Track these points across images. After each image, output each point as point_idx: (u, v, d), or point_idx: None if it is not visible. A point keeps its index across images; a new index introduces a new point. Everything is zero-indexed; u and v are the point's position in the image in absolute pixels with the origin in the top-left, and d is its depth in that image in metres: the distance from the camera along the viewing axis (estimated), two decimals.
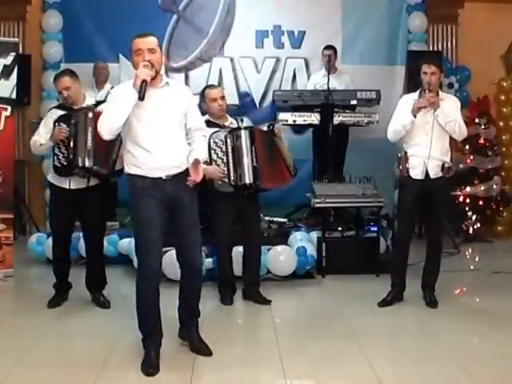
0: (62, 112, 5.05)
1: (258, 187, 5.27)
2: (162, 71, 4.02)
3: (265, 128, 5.50)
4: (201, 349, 4.13)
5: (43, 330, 4.73)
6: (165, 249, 5.80)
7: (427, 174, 5.16)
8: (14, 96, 6.18)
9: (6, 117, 6.14)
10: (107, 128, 3.82)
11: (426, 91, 5.09)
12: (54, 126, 4.98)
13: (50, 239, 5.83)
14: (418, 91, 5.25)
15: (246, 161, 5.16)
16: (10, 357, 4.13)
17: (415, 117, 5.09)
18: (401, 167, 5.26)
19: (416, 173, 5.19)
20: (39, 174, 8.19)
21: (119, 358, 4.15)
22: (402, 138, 5.25)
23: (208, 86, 5.63)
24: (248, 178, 5.16)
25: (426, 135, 5.14)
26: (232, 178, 5.13)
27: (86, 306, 5.26)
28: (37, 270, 6.50)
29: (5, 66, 6.11)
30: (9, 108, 6.17)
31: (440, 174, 5.18)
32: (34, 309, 5.17)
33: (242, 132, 5.21)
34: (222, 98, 5.33)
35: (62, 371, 3.97)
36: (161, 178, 3.88)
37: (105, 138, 3.88)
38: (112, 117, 3.81)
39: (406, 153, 5.24)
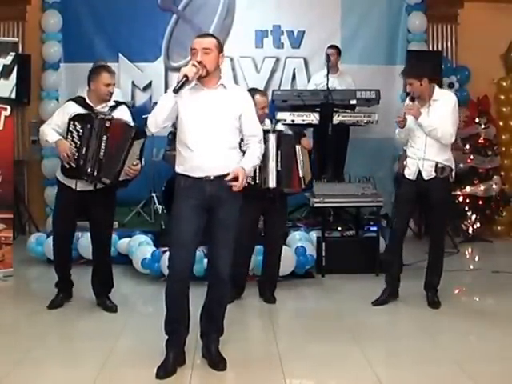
0: (80, 109, 4.92)
1: (281, 191, 5.29)
2: (228, 74, 3.98)
3: (290, 132, 5.48)
4: (219, 366, 3.99)
5: (43, 329, 4.73)
6: (163, 248, 5.86)
7: (420, 175, 5.17)
8: (13, 96, 6.17)
9: (5, 117, 6.13)
10: (152, 122, 3.90)
11: (408, 101, 5.15)
12: (69, 124, 4.85)
13: (50, 239, 5.83)
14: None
15: (272, 165, 5.18)
16: (10, 356, 4.12)
17: (402, 127, 5.14)
18: (400, 164, 5.30)
19: (409, 173, 5.23)
20: (39, 174, 8.20)
21: (119, 358, 4.14)
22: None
23: (257, 91, 5.32)
24: (272, 183, 5.19)
25: (418, 138, 5.16)
26: (257, 181, 5.13)
27: (86, 305, 5.25)
28: (36, 270, 6.51)
29: (4, 65, 6.10)
30: (8, 108, 6.15)
31: (434, 175, 5.17)
32: (34, 308, 5.17)
33: (271, 136, 5.21)
34: (266, 107, 5.27)
35: (62, 371, 3.97)
36: (202, 178, 3.88)
37: (151, 131, 3.96)
38: (156, 111, 3.89)
39: (405, 151, 5.33)
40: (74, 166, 4.86)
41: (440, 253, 5.34)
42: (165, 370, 3.84)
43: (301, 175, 5.42)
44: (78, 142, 4.85)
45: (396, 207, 5.52)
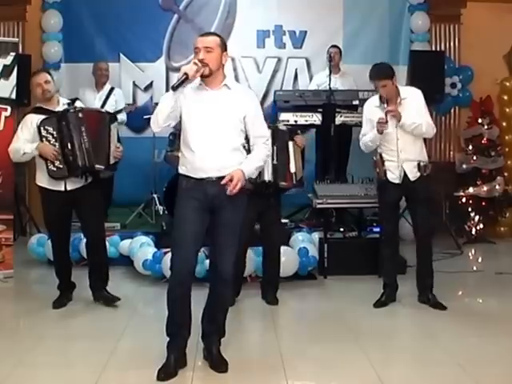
0: (42, 116, 4.98)
1: (278, 186, 5.28)
2: (230, 74, 3.95)
3: (283, 127, 5.48)
4: (220, 367, 3.95)
5: (43, 331, 4.71)
6: (165, 250, 5.83)
7: (406, 176, 5.12)
8: (13, 96, 6.15)
9: (5, 117, 6.12)
10: (154, 121, 3.90)
11: (385, 105, 5.05)
12: (39, 130, 4.92)
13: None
14: (378, 96, 5.18)
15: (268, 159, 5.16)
16: (10, 357, 4.10)
17: (381, 133, 5.05)
18: (378, 170, 5.23)
19: (393, 177, 5.16)
20: None
21: (120, 360, 4.11)
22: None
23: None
24: (267, 176, 5.17)
25: (397, 140, 5.10)
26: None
27: (87, 306, 5.24)
28: (37, 271, 6.49)
29: (5, 66, 6.08)
30: (9, 108, 6.14)
31: (418, 175, 5.14)
32: (35, 310, 5.15)
33: None
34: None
35: (62, 372, 3.95)
36: (204, 179, 3.85)
37: (154, 130, 3.98)
38: (157, 111, 3.88)
39: (381, 155, 5.21)
40: (62, 166, 4.92)
41: (430, 252, 5.32)
42: (166, 373, 3.81)
43: (292, 171, 5.41)
44: (57, 143, 4.92)
45: (383, 213, 5.43)
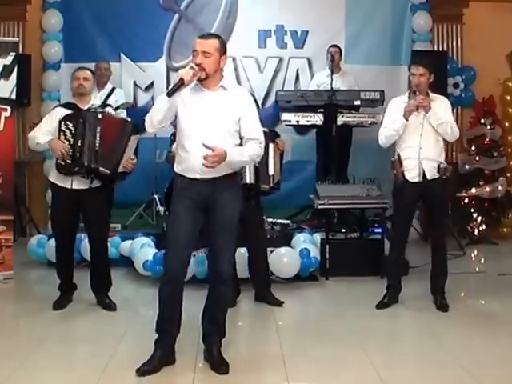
0: (67, 111, 5.04)
1: (259, 188, 5.25)
2: (231, 74, 3.93)
3: (265, 129, 5.46)
4: (221, 369, 3.92)
5: (44, 332, 4.68)
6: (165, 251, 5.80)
7: (424, 175, 5.09)
8: (13, 96, 6.13)
9: (5, 117, 6.09)
10: (148, 122, 3.90)
11: (416, 93, 5.03)
12: (60, 124, 4.97)
13: (51, 241, 5.81)
14: (407, 93, 5.21)
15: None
16: (11, 360, 4.08)
17: (407, 120, 5.02)
18: (395, 171, 5.18)
19: (412, 176, 5.11)
20: (40, 175, 8.14)
21: (120, 362, 4.09)
22: (394, 141, 5.20)
23: None
24: (249, 178, 5.14)
25: (419, 136, 5.07)
26: None
27: (87, 308, 5.21)
28: (37, 273, 6.46)
29: (5, 66, 6.06)
30: (9, 108, 6.11)
31: (437, 175, 5.11)
32: (35, 311, 5.13)
33: None
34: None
35: (62, 375, 3.92)
36: (198, 179, 3.85)
37: (149, 131, 3.97)
38: (152, 112, 3.88)
39: (399, 156, 5.17)
40: (70, 161, 4.94)
41: (445, 253, 5.29)
42: (146, 368, 3.83)
43: (270, 173, 5.39)
44: (72, 140, 4.95)
45: (398, 216, 5.35)
